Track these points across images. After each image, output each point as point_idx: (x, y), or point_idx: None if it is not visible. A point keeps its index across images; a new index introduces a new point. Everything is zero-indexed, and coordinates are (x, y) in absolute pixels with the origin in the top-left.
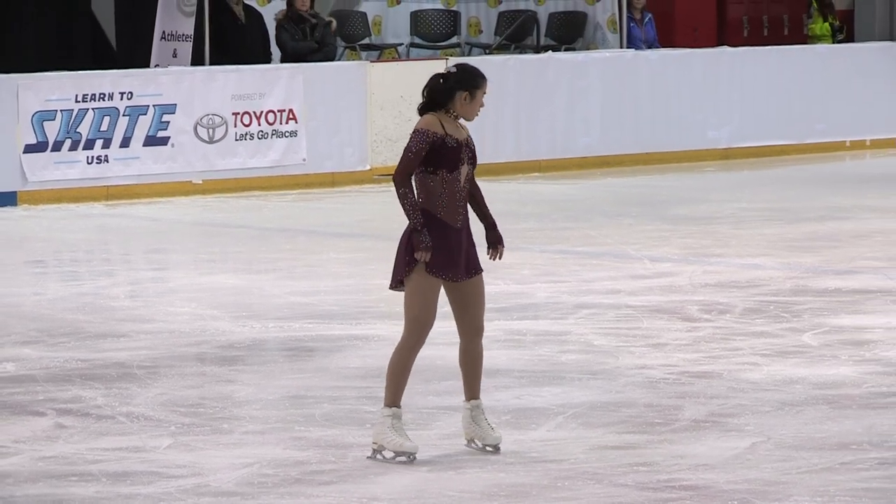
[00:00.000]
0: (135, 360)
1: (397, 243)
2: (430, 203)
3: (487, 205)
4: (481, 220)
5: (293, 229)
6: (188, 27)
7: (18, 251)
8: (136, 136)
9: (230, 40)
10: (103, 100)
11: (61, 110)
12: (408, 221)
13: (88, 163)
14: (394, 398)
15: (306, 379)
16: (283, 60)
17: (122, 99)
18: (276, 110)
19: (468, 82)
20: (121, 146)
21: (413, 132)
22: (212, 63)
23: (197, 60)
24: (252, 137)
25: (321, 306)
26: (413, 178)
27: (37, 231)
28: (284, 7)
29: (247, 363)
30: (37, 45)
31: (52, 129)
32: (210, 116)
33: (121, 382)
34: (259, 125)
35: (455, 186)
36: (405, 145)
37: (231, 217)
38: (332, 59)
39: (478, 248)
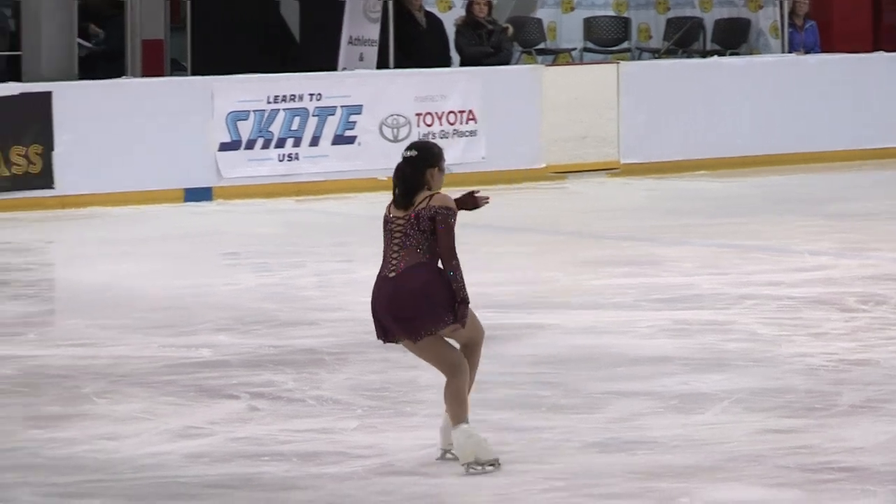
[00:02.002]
0: (323, 346)
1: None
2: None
3: None
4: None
5: (471, 224)
6: (374, 33)
7: (213, 244)
8: (325, 135)
9: (412, 45)
10: (294, 101)
11: (254, 111)
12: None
13: (279, 160)
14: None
15: (484, 364)
16: (461, 64)
17: (311, 100)
18: (456, 111)
19: (434, 160)
20: (310, 145)
21: (446, 209)
22: (396, 66)
23: (382, 64)
24: (434, 136)
25: (497, 296)
26: (424, 241)
27: (230, 225)
28: (464, 14)
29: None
30: (229, 49)
31: (246, 129)
32: (394, 116)
33: (310, 367)
34: (440, 125)
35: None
36: (444, 224)
37: None
38: (507, 63)
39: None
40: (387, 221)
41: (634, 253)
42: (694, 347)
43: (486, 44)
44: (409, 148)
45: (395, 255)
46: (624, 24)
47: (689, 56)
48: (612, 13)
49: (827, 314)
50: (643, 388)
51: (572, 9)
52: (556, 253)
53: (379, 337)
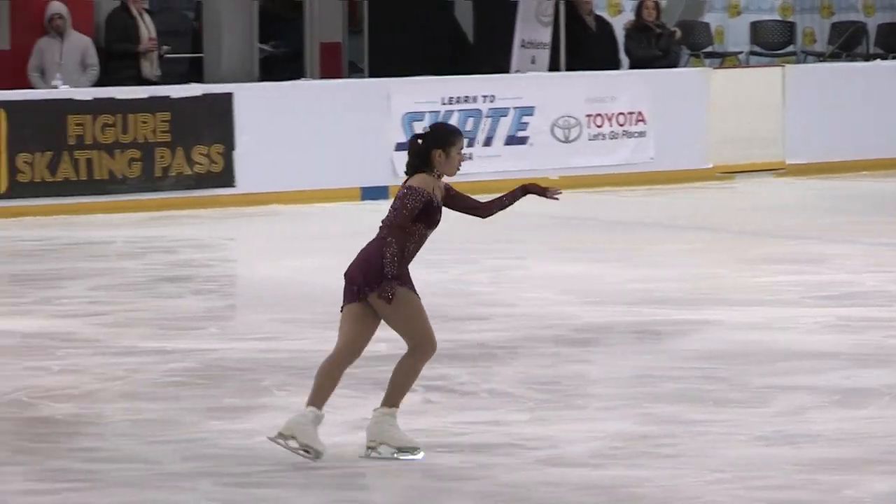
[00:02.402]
0: (496, 340)
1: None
2: (408, 251)
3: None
4: (506, 200)
5: (641, 222)
6: (545, 36)
7: None
8: (498, 136)
9: (583, 48)
10: (467, 102)
11: (429, 111)
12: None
13: None
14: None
15: (652, 359)
16: (631, 67)
17: (485, 101)
18: (625, 112)
19: (442, 141)
20: (483, 145)
21: (407, 188)
22: (566, 69)
23: (553, 66)
24: (604, 137)
25: (665, 292)
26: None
27: None
28: (633, 18)
29: (598, 344)
30: (405, 52)
31: (421, 129)
32: (565, 118)
33: (483, 361)
34: (610, 126)
35: (422, 242)
36: (399, 201)
37: (583, 211)
38: (675, 66)
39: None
40: (438, 208)
41: (799, 250)
42: (857, 343)
43: (655, 47)
44: (427, 127)
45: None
46: (789, 28)
47: (853, 60)
48: (778, 17)
49: None
50: (807, 382)
51: (739, 13)
52: (722, 251)
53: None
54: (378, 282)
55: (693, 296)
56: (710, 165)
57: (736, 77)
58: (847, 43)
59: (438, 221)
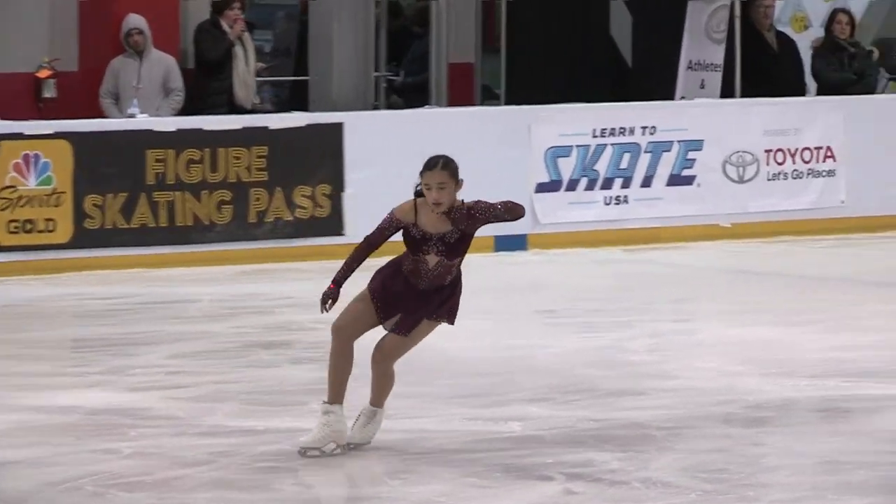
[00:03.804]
0: (654, 419)
1: None
2: (405, 266)
3: None
4: None
5: (830, 277)
6: (717, 56)
7: (528, 299)
8: (659, 175)
9: (762, 70)
10: (623, 134)
11: (577, 146)
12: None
13: (606, 203)
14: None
15: (842, 442)
16: (819, 93)
17: (643, 134)
18: (812, 147)
19: (422, 172)
20: (641, 185)
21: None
22: (742, 95)
23: (726, 92)
24: (786, 177)
25: (860, 362)
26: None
27: (549, 277)
28: (822, 34)
29: (777, 424)
30: (550, 75)
31: (568, 167)
32: (740, 154)
33: (638, 445)
34: (793, 163)
35: (419, 265)
36: None
37: (761, 264)
38: (872, 92)
39: None
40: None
41: None
42: None
43: (849, 69)
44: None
45: None
46: None
47: None
48: None
49: None
50: None
51: None
52: None
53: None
54: None
55: (893, 365)
56: None
57: None
58: None
59: (430, 251)
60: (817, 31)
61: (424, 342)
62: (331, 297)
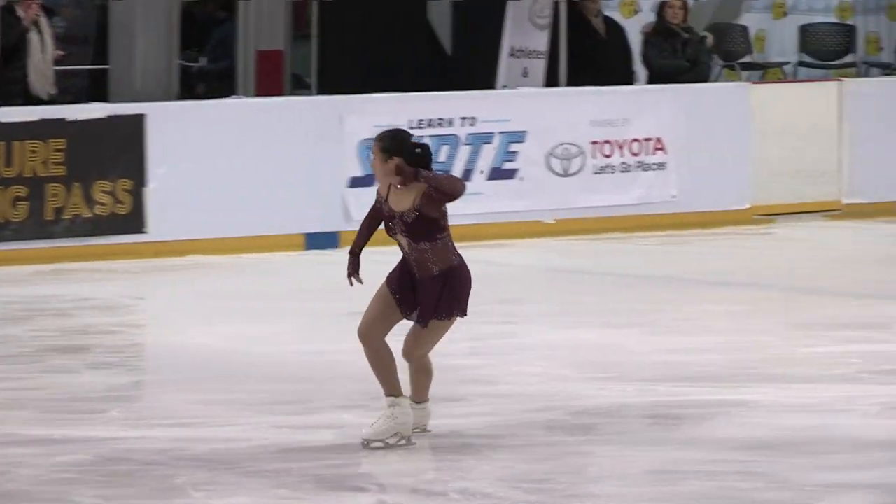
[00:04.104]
0: (474, 427)
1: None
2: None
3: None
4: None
5: (659, 276)
6: (541, 42)
7: (341, 301)
8: (479, 168)
9: (588, 57)
10: (441, 126)
11: None
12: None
13: None
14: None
15: (672, 451)
16: (649, 81)
17: (463, 125)
18: (641, 139)
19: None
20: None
21: None
22: (567, 84)
23: (550, 81)
24: (613, 170)
25: (690, 366)
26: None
27: (362, 276)
28: (653, 20)
29: (603, 432)
30: (364, 63)
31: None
32: (565, 146)
33: (455, 454)
34: (621, 155)
35: (401, 248)
36: None
37: (588, 262)
38: (705, 80)
39: None
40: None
41: (861, 314)
42: None
43: (681, 56)
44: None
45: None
46: (848, 32)
47: None
48: (833, 20)
49: None
50: (868, 479)
51: (785, 14)
52: (764, 314)
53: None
54: None
55: (728, 370)
56: (748, 206)
57: (780, 94)
58: None
59: (395, 231)
60: (648, 17)
61: (235, 346)
62: (352, 268)
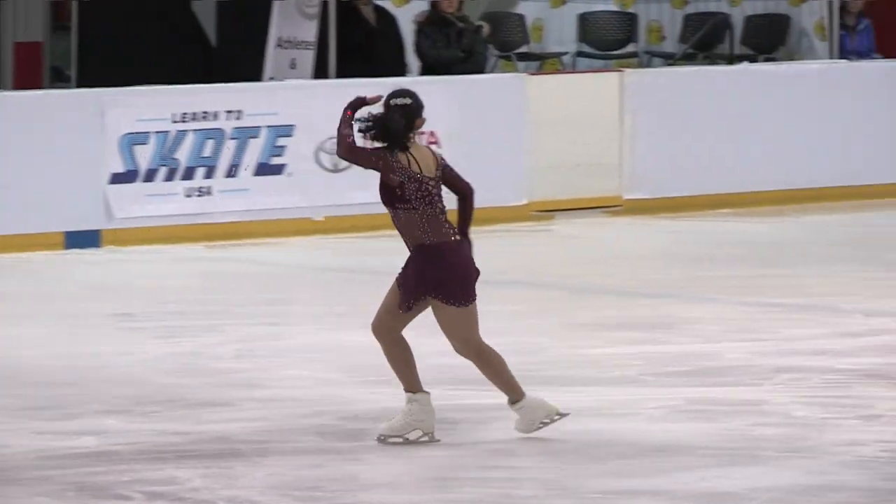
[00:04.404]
0: (242, 433)
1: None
2: None
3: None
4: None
5: None
6: (310, 33)
7: (102, 302)
8: (246, 164)
9: (358, 48)
10: (206, 119)
11: (155, 132)
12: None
13: (187, 195)
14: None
15: (448, 457)
16: (423, 72)
17: (228, 119)
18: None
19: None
20: (227, 175)
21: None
22: (337, 75)
23: (320, 72)
24: None
25: (468, 369)
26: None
27: (125, 278)
28: (427, 9)
29: (375, 437)
30: (126, 55)
31: (145, 155)
32: (334, 140)
33: (223, 461)
34: None
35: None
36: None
37: (359, 261)
38: (481, 71)
39: None
40: (421, 182)
41: (642, 313)
42: (716, 434)
43: (456, 46)
44: (398, 95)
45: (445, 218)
46: (629, 21)
47: (713, 62)
48: (614, 8)
49: (884, 391)
50: (651, 485)
51: (564, 2)
52: (543, 314)
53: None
54: None
55: None
56: (525, 202)
57: (558, 86)
58: (705, 41)
59: (407, 195)
60: (421, 5)
61: None
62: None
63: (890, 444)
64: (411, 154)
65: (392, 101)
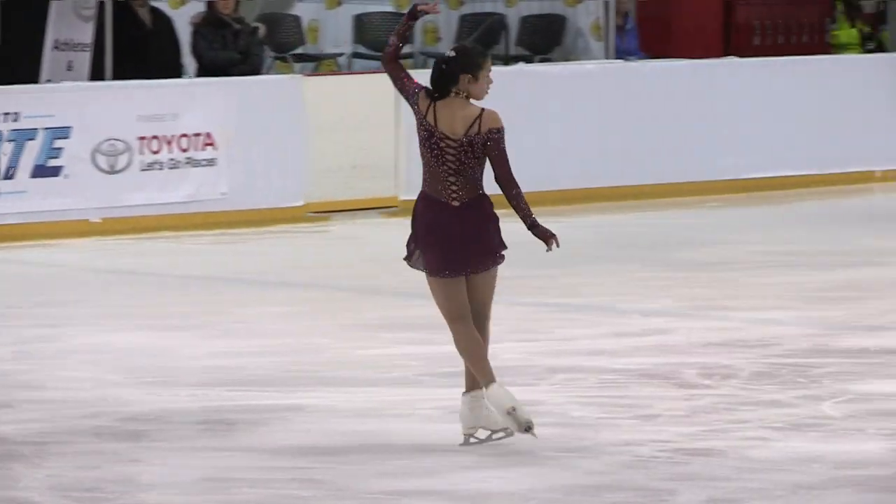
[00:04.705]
0: (20, 434)
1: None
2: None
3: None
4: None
5: (212, 277)
6: (86, 35)
7: None
8: (22, 166)
9: (135, 50)
10: None
11: None
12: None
13: None
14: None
15: (226, 458)
16: (199, 74)
17: (5, 121)
18: (190, 134)
19: (472, 64)
20: (4, 178)
21: (496, 131)
22: (114, 77)
23: (96, 74)
24: (162, 167)
25: (246, 370)
26: (479, 169)
27: None
28: (203, 10)
29: (154, 438)
30: None
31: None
32: (111, 142)
33: (2, 462)
34: (170, 151)
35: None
36: (497, 150)
37: (137, 263)
38: (258, 72)
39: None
40: (431, 134)
41: (419, 314)
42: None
43: (232, 47)
44: (455, 47)
45: (452, 182)
46: None
47: None
48: (389, 9)
49: (660, 391)
50: (429, 485)
51: (339, 3)
52: (321, 315)
53: (441, 272)
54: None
55: (283, 374)
56: (302, 203)
57: (335, 86)
58: (481, 41)
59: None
60: (197, 7)
61: None
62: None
63: (667, 443)
64: (438, 106)
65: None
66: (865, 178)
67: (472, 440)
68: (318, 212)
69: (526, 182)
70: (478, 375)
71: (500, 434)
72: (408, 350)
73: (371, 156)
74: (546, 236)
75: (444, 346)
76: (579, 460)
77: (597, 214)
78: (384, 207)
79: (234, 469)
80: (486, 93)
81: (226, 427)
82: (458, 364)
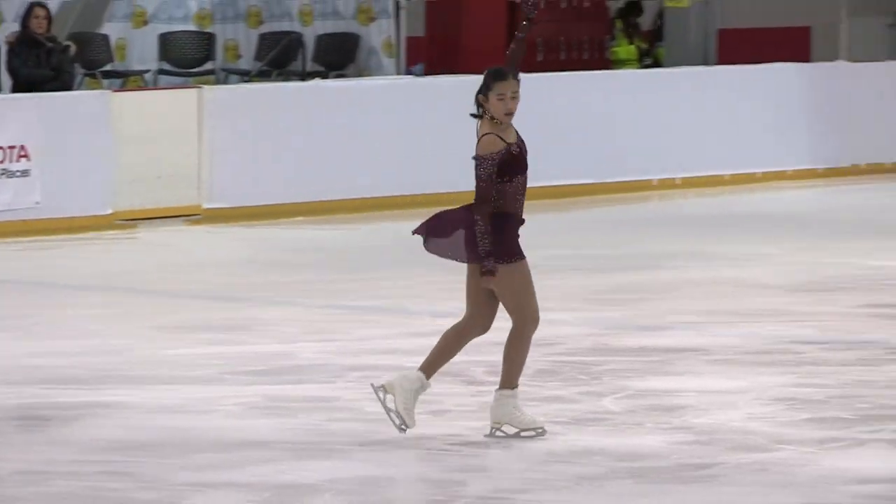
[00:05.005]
0: None
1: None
2: (508, 205)
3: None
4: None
5: (27, 282)
6: None
7: None
8: None
9: None
10: None
11: None
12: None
13: None
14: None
15: (41, 452)
16: (14, 90)
17: None
18: (5, 147)
19: (485, 85)
20: None
21: (479, 158)
22: None
23: None
24: None
25: (60, 369)
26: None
27: None
28: (17, 29)
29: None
30: None
31: None
32: None
33: None
34: None
35: (522, 189)
36: (476, 174)
37: None
38: (69, 88)
39: None
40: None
41: (221, 316)
42: (292, 429)
43: (45, 65)
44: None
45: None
46: (207, 40)
47: (287, 79)
48: (193, 28)
49: (449, 387)
50: (233, 478)
51: (146, 23)
52: (129, 317)
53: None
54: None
55: (94, 373)
56: (110, 211)
57: (141, 101)
58: (279, 58)
59: (523, 163)
60: (11, 26)
61: None
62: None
63: (456, 437)
64: (480, 121)
65: None
66: (643, 186)
67: (497, 433)
68: (125, 220)
69: (319, 190)
70: (515, 376)
71: (530, 433)
72: (210, 350)
73: (175, 166)
74: (484, 272)
75: (244, 346)
76: (372, 453)
77: (389, 221)
78: (188, 215)
79: (49, 462)
80: (507, 112)
81: (40, 423)
82: (259, 363)
